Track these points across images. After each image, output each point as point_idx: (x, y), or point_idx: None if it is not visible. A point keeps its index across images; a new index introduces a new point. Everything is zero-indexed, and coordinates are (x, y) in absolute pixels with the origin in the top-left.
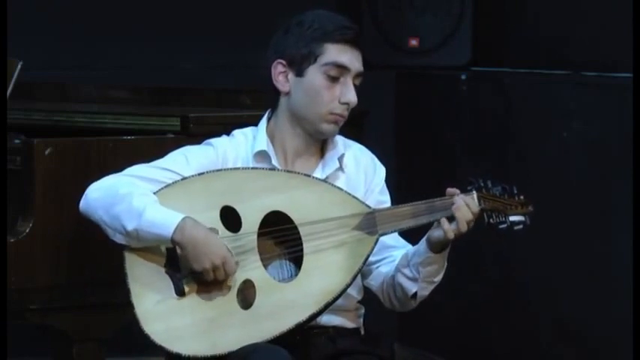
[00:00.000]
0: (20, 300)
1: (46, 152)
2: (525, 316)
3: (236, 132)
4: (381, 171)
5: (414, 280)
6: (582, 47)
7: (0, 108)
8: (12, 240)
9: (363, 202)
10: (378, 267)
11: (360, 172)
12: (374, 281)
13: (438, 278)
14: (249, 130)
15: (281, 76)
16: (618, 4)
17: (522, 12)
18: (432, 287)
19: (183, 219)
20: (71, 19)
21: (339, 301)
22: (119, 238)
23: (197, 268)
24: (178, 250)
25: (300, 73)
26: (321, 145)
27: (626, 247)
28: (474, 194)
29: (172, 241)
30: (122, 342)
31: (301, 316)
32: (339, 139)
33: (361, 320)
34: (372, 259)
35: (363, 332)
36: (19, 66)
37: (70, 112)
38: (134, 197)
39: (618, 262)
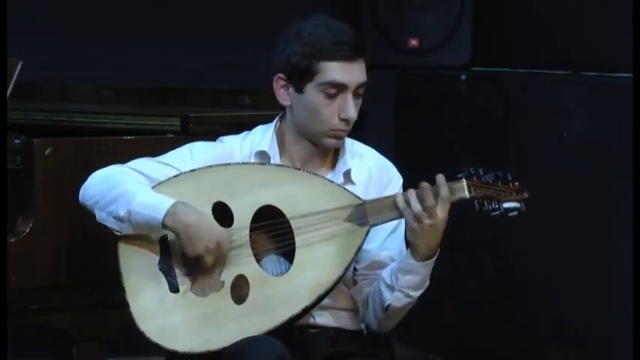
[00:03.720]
0: (20, 300)
1: (46, 152)
2: (525, 316)
3: (257, 128)
4: (397, 182)
5: (390, 288)
6: (582, 47)
7: (0, 108)
8: (12, 240)
9: (353, 194)
10: (364, 279)
11: (369, 187)
12: (357, 293)
13: (415, 294)
14: (267, 126)
15: (282, 90)
16: (618, 4)
17: (522, 12)
18: (406, 301)
19: (174, 204)
20: (71, 19)
21: (342, 302)
22: (112, 223)
23: (191, 253)
24: (170, 237)
25: (299, 90)
26: (329, 155)
27: (626, 247)
28: (464, 182)
29: (164, 225)
30: (122, 342)
31: (295, 309)
32: (351, 149)
33: (364, 325)
34: (362, 271)
35: (365, 334)
36: (19, 66)
37: (70, 112)
38: (129, 184)
39: (618, 262)
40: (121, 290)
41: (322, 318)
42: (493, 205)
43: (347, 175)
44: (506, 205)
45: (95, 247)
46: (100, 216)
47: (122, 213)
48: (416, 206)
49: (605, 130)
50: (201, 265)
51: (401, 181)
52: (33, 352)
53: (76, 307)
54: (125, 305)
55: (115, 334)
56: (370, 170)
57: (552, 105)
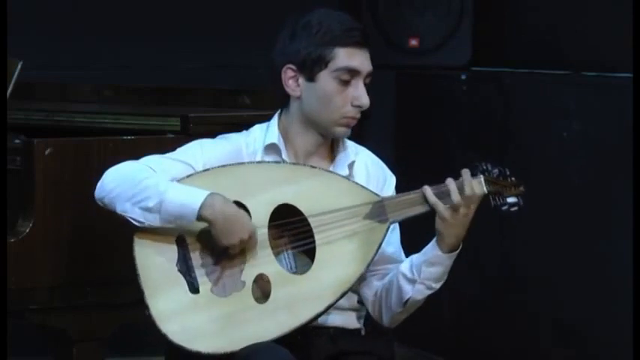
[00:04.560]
0: (20, 300)
1: (46, 152)
2: (525, 316)
3: (255, 127)
4: (391, 180)
5: (411, 281)
6: (582, 47)
7: (0, 108)
8: (12, 240)
9: (370, 191)
10: (373, 275)
11: (369, 182)
12: (367, 288)
13: (437, 285)
14: (265, 124)
15: (291, 80)
16: (618, 4)
17: (522, 12)
18: (427, 293)
19: (212, 194)
20: (71, 19)
21: (344, 301)
22: (137, 214)
23: (225, 243)
24: (188, 236)
25: (311, 78)
26: (331, 147)
27: (626, 246)
28: (481, 178)
29: (199, 216)
30: (122, 342)
31: (318, 307)
32: (350, 145)
33: (362, 321)
34: (370, 267)
35: (363, 333)
36: (19, 66)
37: (70, 112)
38: (159, 177)
39: (618, 262)
40: (139, 292)
41: (323, 318)
42: (500, 200)
43: (351, 167)
44: (509, 200)
45: (95, 247)
46: (124, 207)
47: (153, 204)
48: (457, 197)
49: (605, 130)
50: (227, 256)
51: (394, 179)
52: (33, 352)
53: (76, 307)
54: (125, 305)
55: (114, 334)
56: (367, 166)
57: (552, 105)
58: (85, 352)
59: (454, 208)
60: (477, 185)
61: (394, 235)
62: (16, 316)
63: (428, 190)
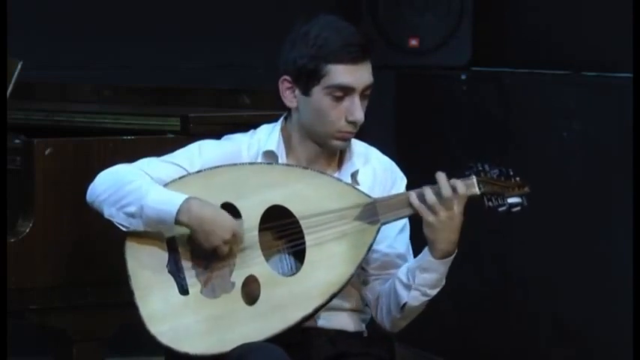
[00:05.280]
0: (20, 300)
1: (46, 152)
2: (525, 316)
3: (262, 127)
4: (401, 184)
5: (407, 287)
6: (582, 47)
7: (0, 108)
8: (12, 240)
9: (362, 192)
10: (376, 279)
11: (374, 189)
12: (370, 292)
13: (432, 292)
14: (272, 125)
15: (288, 92)
16: (618, 4)
17: (522, 12)
18: (423, 300)
19: (188, 199)
20: (71, 19)
21: (345, 302)
22: (121, 219)
23: (208, 246)
24: (178, 237)
25: (305, 92)
26: (335, 155)
27: (626, 246)
28: (474, 179)
29: (177, 221)
30: (122, 342)
31: (307, 309)
32: (358, 150)
33: (364, 325)
34: (373, 272)
35: (365, 335)
36: (19, 66)
37: (70, 112)
38: (141, 180)
39: (618, 262)
40: (129, 293)
41: (324, 320)
42: (499, 200)
43: (354, 176)
44: (510, 200)
45: (95, 247)
46: (110, 212)
47: (134, 209)
48: (431, 198)
49: (605, 130)
50: (217, 257)
51: (404, 181)
52: (33, 352)
53: (76, 307)
54: (125, 305)
55: (115, 334)
56: (375, 171)
57: (552, 105)
58: (85, 352)
59: (432, 211)
60: (460, 186)
61: (401, 239)
62: (16, 316)
63: (412, 193)
